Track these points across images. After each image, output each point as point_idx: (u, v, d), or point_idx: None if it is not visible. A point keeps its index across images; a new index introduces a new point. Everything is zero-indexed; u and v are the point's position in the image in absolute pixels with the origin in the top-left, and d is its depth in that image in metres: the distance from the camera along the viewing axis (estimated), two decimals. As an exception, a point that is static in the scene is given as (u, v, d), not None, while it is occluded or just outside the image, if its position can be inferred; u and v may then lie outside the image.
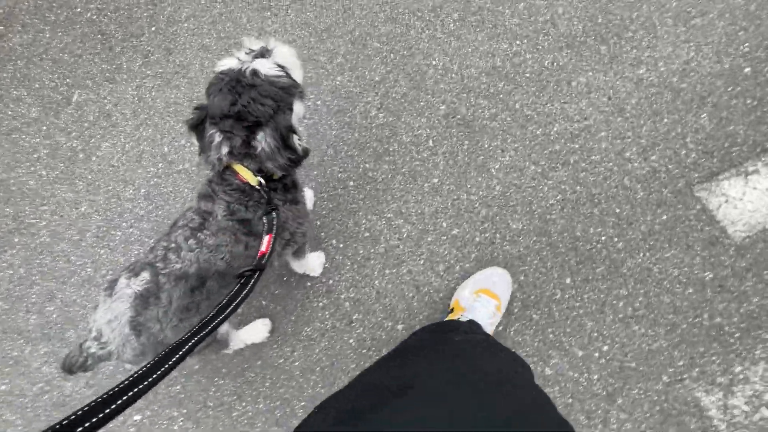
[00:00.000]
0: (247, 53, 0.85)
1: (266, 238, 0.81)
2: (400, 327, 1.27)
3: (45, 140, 1.58)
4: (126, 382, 0.42)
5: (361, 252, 1.34)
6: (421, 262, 1.31)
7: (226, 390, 1.26)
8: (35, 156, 1.57)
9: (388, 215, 1.36)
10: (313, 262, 1.29)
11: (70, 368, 0.82)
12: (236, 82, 0.79)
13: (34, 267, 1.43)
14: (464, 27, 1.52)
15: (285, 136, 0.83)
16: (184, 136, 1.53)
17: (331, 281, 1.32)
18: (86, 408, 0.38)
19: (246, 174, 0.86)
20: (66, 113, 1.61)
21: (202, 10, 1.69)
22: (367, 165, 1.42)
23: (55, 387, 1.30)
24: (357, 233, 1.35)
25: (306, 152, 0.88)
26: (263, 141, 0.81)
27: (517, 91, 1.42)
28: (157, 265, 0.81)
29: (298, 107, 0.88)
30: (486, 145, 1.38)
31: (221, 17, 1.67)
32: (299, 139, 0.86)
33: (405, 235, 1.33)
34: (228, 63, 0.82)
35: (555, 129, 1.37)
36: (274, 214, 0.85)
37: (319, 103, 1.51)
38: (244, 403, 1.24)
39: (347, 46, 1.55)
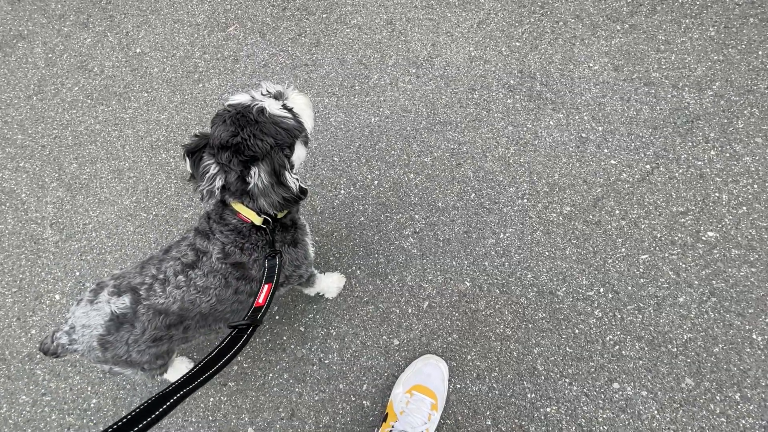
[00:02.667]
0: (262, 93, 0.83)
1: (265, 288, 0.76)
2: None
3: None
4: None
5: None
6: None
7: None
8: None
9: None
10: (329, 284, 1.26)
11: (45, 351, 0.87)
12: (241, 116, 0.77)
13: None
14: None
15: (278, 172, 0.80)
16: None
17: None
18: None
19: (248, 213, 0.84)
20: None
21: (370, 27, 1.72)
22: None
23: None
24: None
25: (303, 192, 0.85)
26: (256, 176, 0.79)
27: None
28: (141, 293, 0.83)
29: (300, 150, 0.87)
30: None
31: (378, 44, 1.68)
32: (296, 178, 0.83)
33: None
34: (240, 98, 0.81)
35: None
36: (277, 260, 0.82)
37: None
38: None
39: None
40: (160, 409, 0.47)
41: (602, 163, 1.40)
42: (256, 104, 0.78)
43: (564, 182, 1.39)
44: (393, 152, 1.49)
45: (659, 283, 1.23)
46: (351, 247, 1.38)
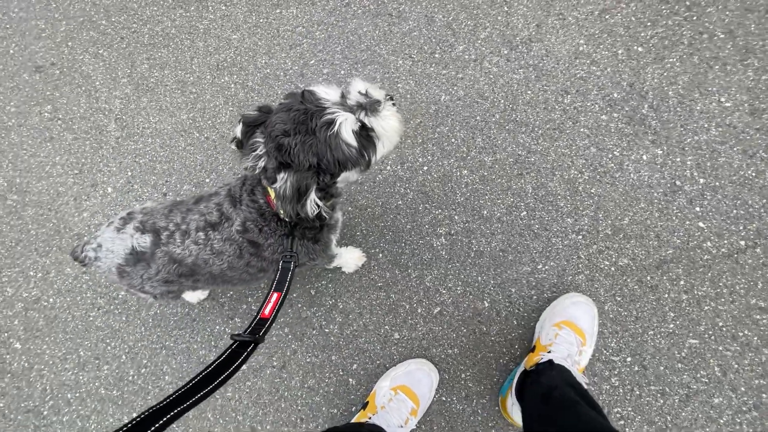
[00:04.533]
0: (358, 93, 0.73)
1: (273, 297, 0.71)
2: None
3: None
4: None
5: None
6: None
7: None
8: None
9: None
10: (347, 259, 1.23)
11: (74, 258, 0.93)
12: (303, 119, 0.69)
13: (174, 39, 1.60)
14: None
15: (302, 192, 0.75)
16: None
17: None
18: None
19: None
20: None
21: None
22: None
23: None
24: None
25: (320, 218, 0.79)
26: (282, 181, 0.74)
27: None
28: (161, 237, 0.85)
29: (351, 174, 0.78)
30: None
31: (474, 9, 1.46)
32: (318, 204, 0.77)
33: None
34: (322, 93, 0.72)
35: None
36: (292, 264, 0.79)
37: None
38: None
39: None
40: (152, 429, 0.43)
41: (687, 222, 1.19)
42: (328, 115, 0.69)
43: (633, 230, 1.21)
44: (453, 141, 1.36)
45: (698, 375, 1.09)
46: (380, 228, 1.33)
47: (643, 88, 1.30)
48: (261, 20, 1.61)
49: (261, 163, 0.76)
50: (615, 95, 1.31)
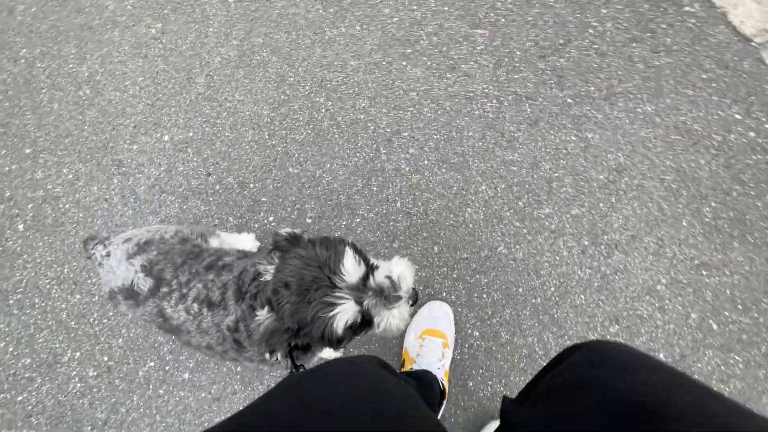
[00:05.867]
0: (386, 278, 0.71)
1: None
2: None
3: (427, 13, 1.53)
4: None
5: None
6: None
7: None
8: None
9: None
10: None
11: (84, 245, 0.97)
12: (311, 286, 0.67)
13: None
14: None
15: (270, 342, 0.74)
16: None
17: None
18: None
19: None
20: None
21: (595, 168, 1.37)
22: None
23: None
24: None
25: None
26: (262, 317, 0.73)
27: None
28: (160, 291, 0.86)
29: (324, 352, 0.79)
30: None
31: (590, 187, 1.35)
32: (277, 358, 0.78)
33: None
34: (349, 272, 0.68)
35: None
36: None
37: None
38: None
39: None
40: None
41: None
42: (331, 298, 0.66)
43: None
44: (484, 297, 1.29)
45: None
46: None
47: (692, 369, 1.19)
48: (384, 62, 1.53)
49: (267, 277, 0.75)
50: (660, 355, 1.21)
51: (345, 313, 0.67)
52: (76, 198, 1.50)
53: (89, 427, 1.28)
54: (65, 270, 1.43)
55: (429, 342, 1.12)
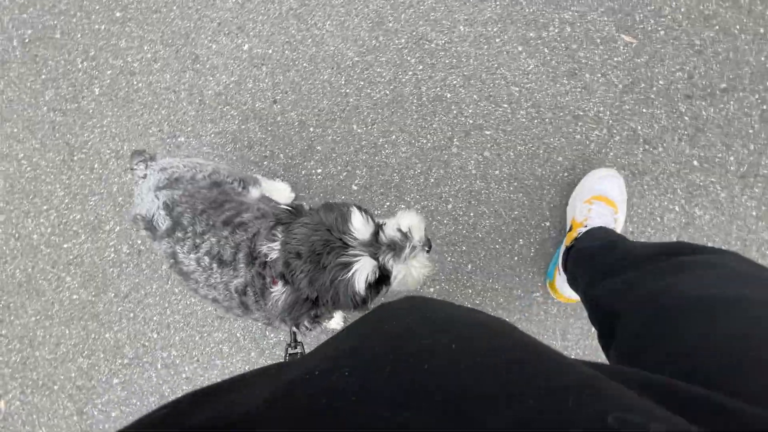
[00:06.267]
0: (397, 230, 0.69)
1: None
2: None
3: None
4: None
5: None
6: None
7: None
8: None
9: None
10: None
11: (131, 159, 0.97)
12: (324, 249, 0.65)
13: None
14: None
15: (293, 314, 0.74)
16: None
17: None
18: None
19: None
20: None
21: (692, 240, 1.15)
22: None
23: None
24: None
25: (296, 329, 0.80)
26: (278, 292, 0.72)
27: None
28: (176, 234, 0.85)
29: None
30: None
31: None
32: (305, 325, 0.80)
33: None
34: (359, 230, 0.66)
35: None
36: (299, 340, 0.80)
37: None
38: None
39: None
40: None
41: None
42: (346, 257, 0.64)
43: None
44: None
45: None
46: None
47: None
48: (497, 39, 1.30)
49: (273, 255, 0.73)
50: None
51: (364, 269, 0.65)
52: (150, 80, 1.50)
53: (113, 294, 1.43)
54: (124, 147, 1.49)
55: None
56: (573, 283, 0.93)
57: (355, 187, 1.33)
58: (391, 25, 1.36)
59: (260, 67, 1.43)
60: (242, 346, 1.36)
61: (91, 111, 1.53)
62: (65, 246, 1.48)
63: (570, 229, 1.08)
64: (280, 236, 0.73)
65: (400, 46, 1.35)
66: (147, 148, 1.24)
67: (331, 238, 0.65)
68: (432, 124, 1.31)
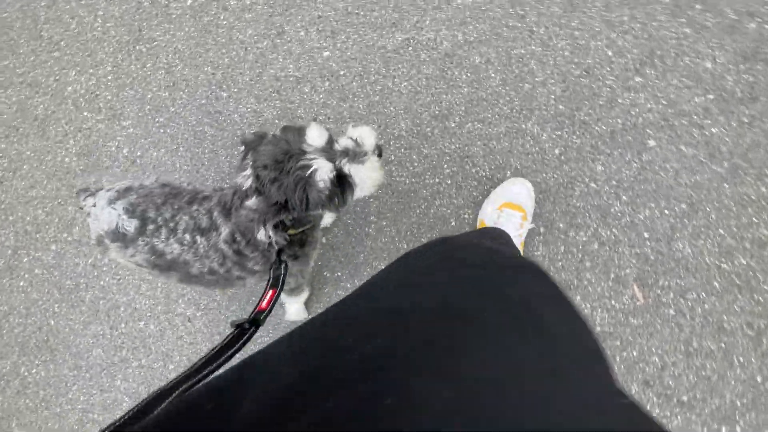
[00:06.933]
0: (350, 139, 0.79)
1: (269, 294, 0.77)
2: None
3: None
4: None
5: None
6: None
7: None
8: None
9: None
10: (295, 307, 1.26)
11: (78, 196, 0.98)
12: (285, 157, 0.74)
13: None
14: None
15: (261, 220, 0.79)
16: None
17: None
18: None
19: None
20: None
21: None
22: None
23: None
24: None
25: (272, 244, 0.84)
26: (251, 202, 0.79)
27: None
28: (147, 228, 0.87)
29: (321, 212, 0.89)
30: None
31: None
32: (270, 236, 0.82)
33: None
34: (315, 138, 0.75)
35: None
36: (283, 269, 0.84)
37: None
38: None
39: None
40: (158, 409, 0.43)
41: None
42: (305, 161, 0.73)
43: None
44: None
45: None
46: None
47: None
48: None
49: (247, 183, 0.80)
50: None
51: (322, 169, 0.74)
52: (233, 25, 1.52)
53: (94, 179, 1.53)
54: (178, 68, 1.54)
55: (507, 214, 1.12)
56: None
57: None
58: (452, 126, 1.32)
59: (325, 80, 1.42)
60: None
61: (173, 17, 1.57)
62: (85, 113, 1.58)
63: None
64: (249, 164, 0.79)
65: (448, 150, 1.31)
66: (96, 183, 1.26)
67: (291, 148, 0.74)
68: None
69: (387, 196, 1.32)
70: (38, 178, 1.57)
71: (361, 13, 1.44)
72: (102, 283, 1.46)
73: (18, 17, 1.73)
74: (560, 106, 1.27)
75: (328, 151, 0.76)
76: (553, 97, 1.28)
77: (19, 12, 1.73)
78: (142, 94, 1.55)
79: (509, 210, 1.13)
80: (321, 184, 0.74)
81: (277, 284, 0.79)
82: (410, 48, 1.38)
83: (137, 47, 1.59)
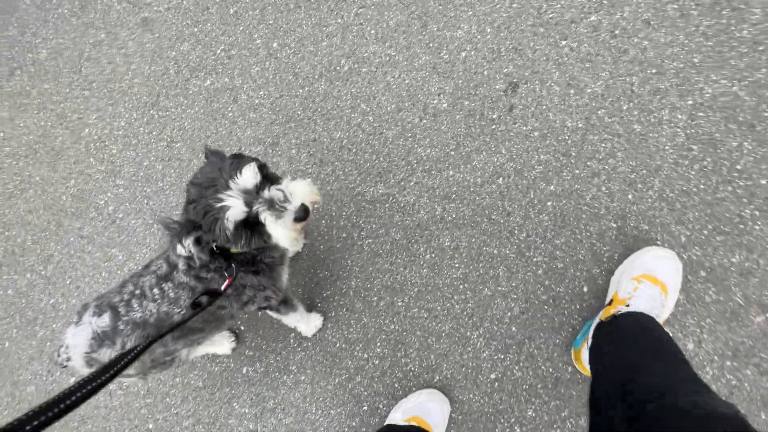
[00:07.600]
0: (280, 191, 0.79)
1: (227, 282, 0.87)
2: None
3: None
4: (71, 389, 0.46)
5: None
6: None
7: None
8: None
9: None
10: (305, 323, 1.24)
11: (56, 364, 0.93)
12: (209, 185, 0.77)
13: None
14: None
15: (180, 235, 0.81)
16: None
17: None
18: (29, 413, 0.41)
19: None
20: None
21: None
22: None
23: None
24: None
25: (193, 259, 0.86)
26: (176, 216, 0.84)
27: None
28: (120, 310, 0.89)
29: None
30: None
31: None
32: (190, 251, 0.83)
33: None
34: (246, 178, 0.77)
35: None
36: (233, 265, 0.90)
37: None
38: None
39: None
40: (54, 411, 0.44)
41: None
42: (222, 194, 0.76)
43: None
44: None
45: None
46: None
47: None
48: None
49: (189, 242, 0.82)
50: None
51: (233, 210, 0.76)
52: (244, 116, 1.53)
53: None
54: (177, 146, 1.58)
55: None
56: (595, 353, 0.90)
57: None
58: (399, 304, 1.25)
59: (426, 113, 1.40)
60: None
61: (190, 93, 1.62)
62: (91, 159, 1.68)
63: (610, 303, 1.00)
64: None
65: (387, 329, 1.25)
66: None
67: (219, 177, 0.77)
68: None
69: (315, 350, 1.29)
70: (37, 205, 1.70)
71: (354, 150, 1.39)
72: (54, 326, 1.57)
73: (68, 47, 1.86)
74: (513, 328, 1.16)
75: (252, 194, 0.77)
76: (509, 314, 1.17)
77: (71, 42, 1.86)
78: (141, 160, 1.62)
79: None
80: (227, 222, 0.76)
81: (232, 273, 0.87)
82: (387, 205, 1.33)
83: (151, 111, 1.65)
